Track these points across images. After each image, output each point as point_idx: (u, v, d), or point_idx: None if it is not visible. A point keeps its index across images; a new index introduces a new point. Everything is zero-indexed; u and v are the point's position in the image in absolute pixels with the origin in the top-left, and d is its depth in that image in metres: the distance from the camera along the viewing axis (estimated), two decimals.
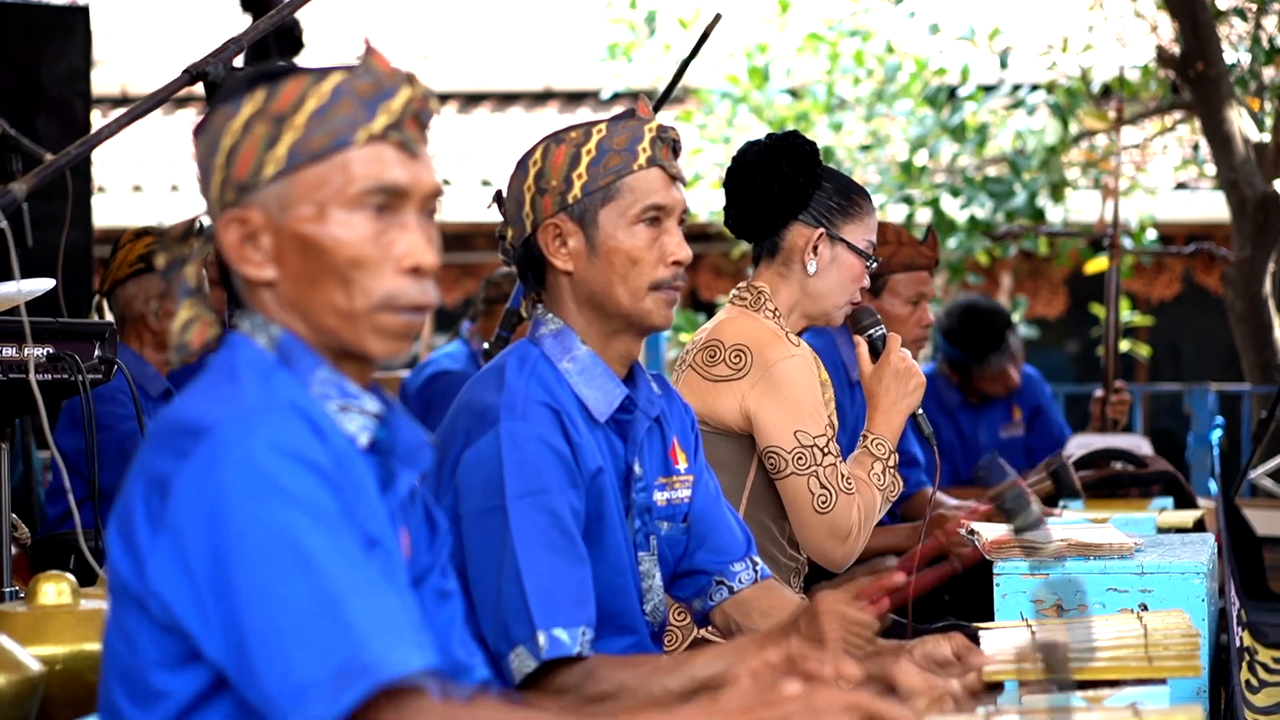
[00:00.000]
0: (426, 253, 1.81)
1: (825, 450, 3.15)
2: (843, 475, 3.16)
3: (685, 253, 2.59)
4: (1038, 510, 2.56)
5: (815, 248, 3.33)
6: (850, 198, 3.36)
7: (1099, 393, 5.69)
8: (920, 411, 3.32)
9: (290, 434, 1.71)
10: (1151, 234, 9.09)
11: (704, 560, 2.76)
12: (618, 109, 3.20)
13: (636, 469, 2.63)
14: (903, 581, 2.46)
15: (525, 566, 2.41)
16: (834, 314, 3.38)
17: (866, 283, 3.40)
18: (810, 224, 3.33)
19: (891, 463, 3.25)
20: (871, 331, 3.37)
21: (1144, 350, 10.24)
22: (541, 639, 2.37)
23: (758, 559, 2.81)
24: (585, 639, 2.43)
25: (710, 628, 2.87)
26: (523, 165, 2.61)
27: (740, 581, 2.77)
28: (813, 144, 3.31)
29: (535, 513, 2.45)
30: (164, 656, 1.72)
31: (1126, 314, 9.93)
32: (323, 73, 1.82)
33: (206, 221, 1.89)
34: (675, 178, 2.61)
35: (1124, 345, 9.92)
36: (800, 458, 3.14)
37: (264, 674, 1.63)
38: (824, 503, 3.14)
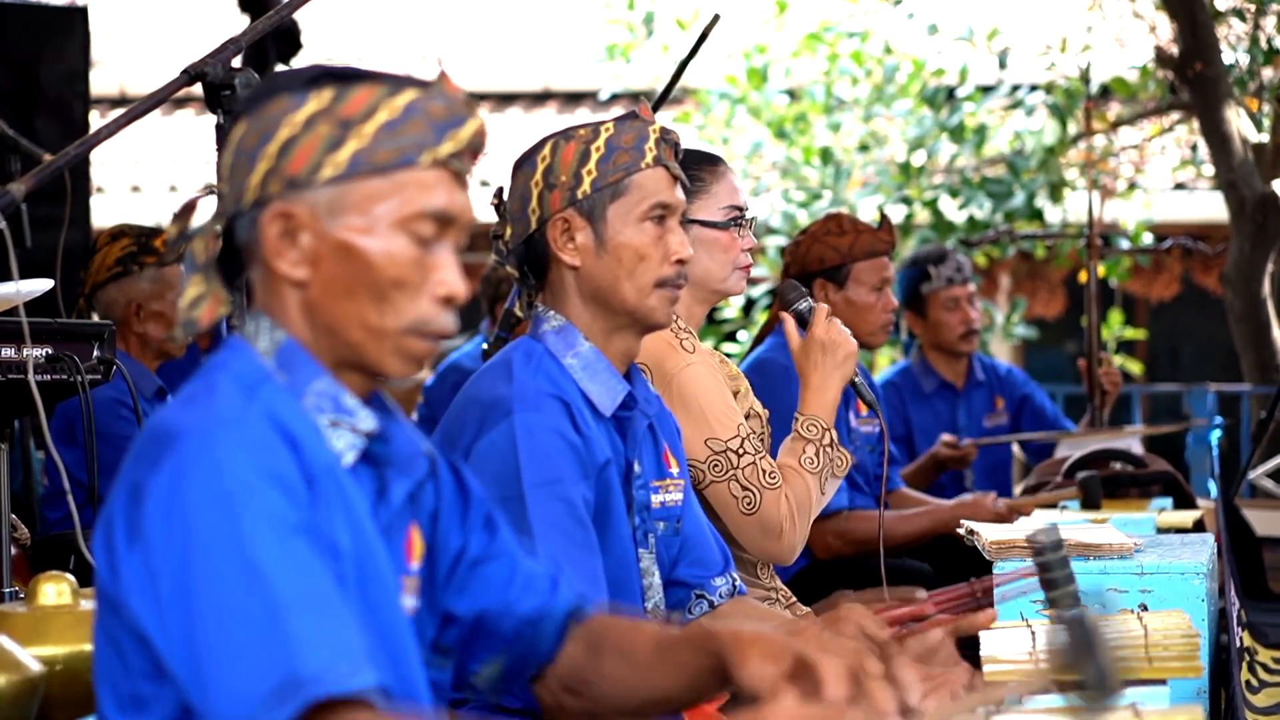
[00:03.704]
0: (460, 284, 1.81)
1: (740, 451, 3.08)
2: (765, 471, 3.08)
3: (688, 251, 2.64)
4: (1076, 587, 2.55)
5: None
6: (689, 175, 3.24)
7: (1082, 362, 5.55)
8: (859, 379, 3.23)
9: (255, 445, 1.69)
10: (1149, 236, 9.09)
11: (685, 573, 2.77)
12: (616, 110, 3.17)
13: (636, 466, 2.65)
14: (930, 615, 2.45)
15: (544, 555, 2.42)
16: (726, 287, 3.28)
17: (750, 244, 3.28)
18: None
19: (826, 441, 3.14)
20: (797, 305, 3.27)
21: (1135, 368, 10.23)
22: None
23: (736, 574, 2.83)
24: None
25: None
26: (529, 161, 2.62)
27: (720, 596, 2.79)
28: None
29: (552, 502, 2.48)
30: (147, 665, 1.71)
31: (1118, 328, 9.94)
32: (396, 85, 1.81)
33: (212, 200, 1.87)
34: (677, 178, 2.64)
35: (1117, 359, 9.93)
36: (716, 465, 3.08)
37: (211, 685, 1.62)
38: (749, 504, 3.07)
